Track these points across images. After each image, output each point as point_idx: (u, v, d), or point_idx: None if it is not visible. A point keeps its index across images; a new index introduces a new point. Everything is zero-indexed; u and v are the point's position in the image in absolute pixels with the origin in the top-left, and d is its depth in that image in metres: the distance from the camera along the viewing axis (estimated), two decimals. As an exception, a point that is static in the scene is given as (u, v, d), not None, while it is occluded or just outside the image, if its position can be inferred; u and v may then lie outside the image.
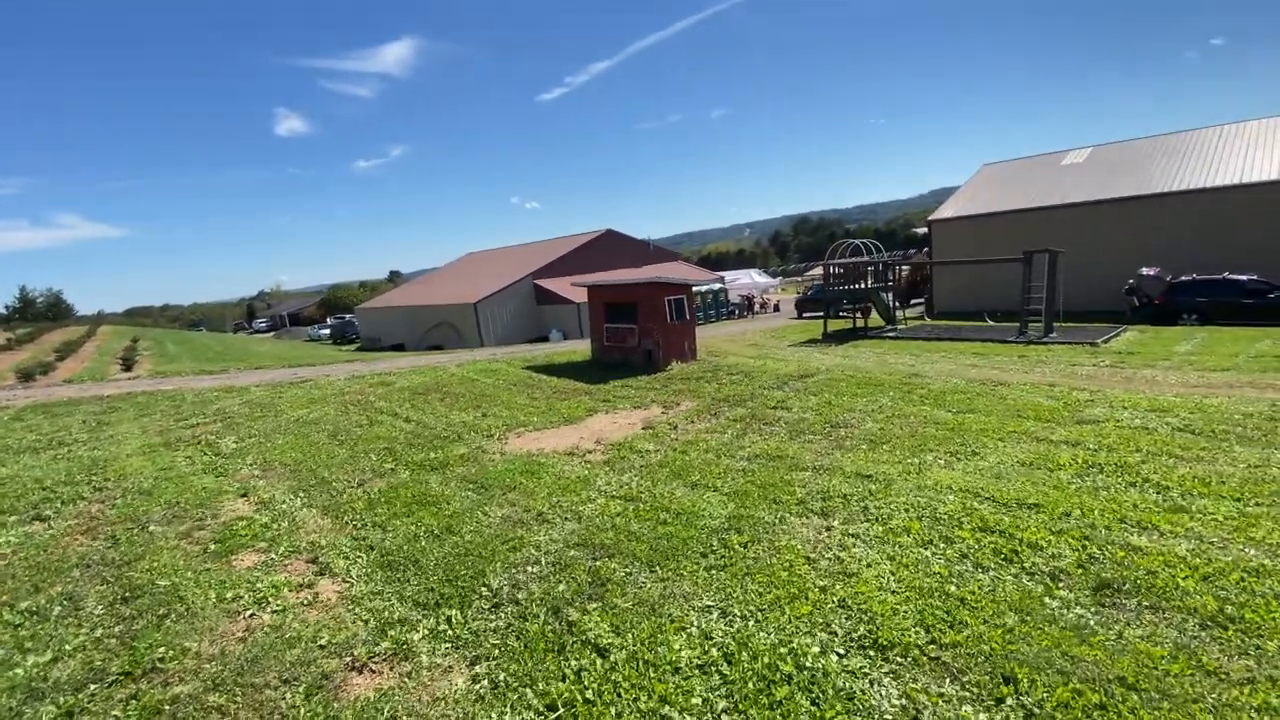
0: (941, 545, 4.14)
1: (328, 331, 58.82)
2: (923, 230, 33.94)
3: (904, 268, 33.50)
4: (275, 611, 3.85)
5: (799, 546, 4.21)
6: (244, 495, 6.05)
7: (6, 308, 68.05)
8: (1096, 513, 4.59)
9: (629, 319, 14.75)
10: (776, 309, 40.06)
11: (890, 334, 19.41)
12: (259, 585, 4.17)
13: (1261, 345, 13.40)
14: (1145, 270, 19.72)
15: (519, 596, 3.82)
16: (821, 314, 21.54)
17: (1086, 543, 4.09)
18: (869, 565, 3.91)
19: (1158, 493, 5.02)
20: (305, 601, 3.96)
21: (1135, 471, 5.50)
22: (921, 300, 30.62)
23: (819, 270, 21.18)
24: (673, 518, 4.82)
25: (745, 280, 48.20)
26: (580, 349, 17.98)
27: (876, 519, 4.66)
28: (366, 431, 8.68)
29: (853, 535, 4.39)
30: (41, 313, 64.40)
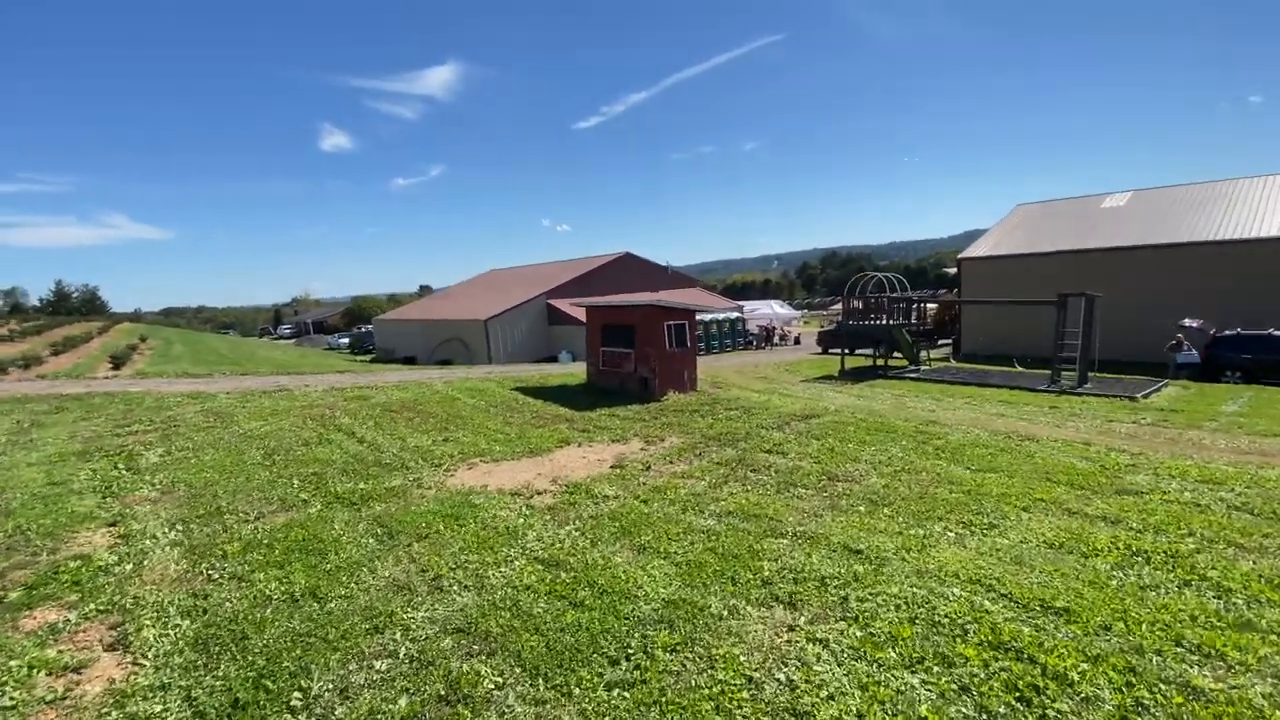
0: (936, 669, 3.08)
1: (346, 341, 59.19)
2: (954, 270, 32.70)
3: (931, 306, 32.24)
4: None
5: (743, 658, 3.18)
6: (112, 524, 5.22)
7: (41, 300, 69.94)
8: (1144, 627, 3.49)
9: (626, 343, 13.87)
10: (797, 342, 38.85)
11: (911, 374, 18.21)
12: (10, 665, 3.24)
13: (1321, 410, 11.99)
14: (1188, 321, 18.31)
15: (334, 717, 2.85)
16: (850, 350, 20.41)
17: (1132, 678, 3.00)
18: (830, 697, 2.87)
19: (1218, 597, 3.90)
20: (52, 697, 3.01)
21: (1189, 565, 4.37)
22: (949, 341, 29.28)
23: (853, 304, 20.11)
24: (595, 597, 3.83)
25: (765, 311, 47.07)
26: (580, 372, 17.12)
27: (857, 618, 3.61)
28: (308, 452, 7.86)
29: (820, 642, 3.35)
30: (75, 308, 65.97)
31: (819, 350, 30.46)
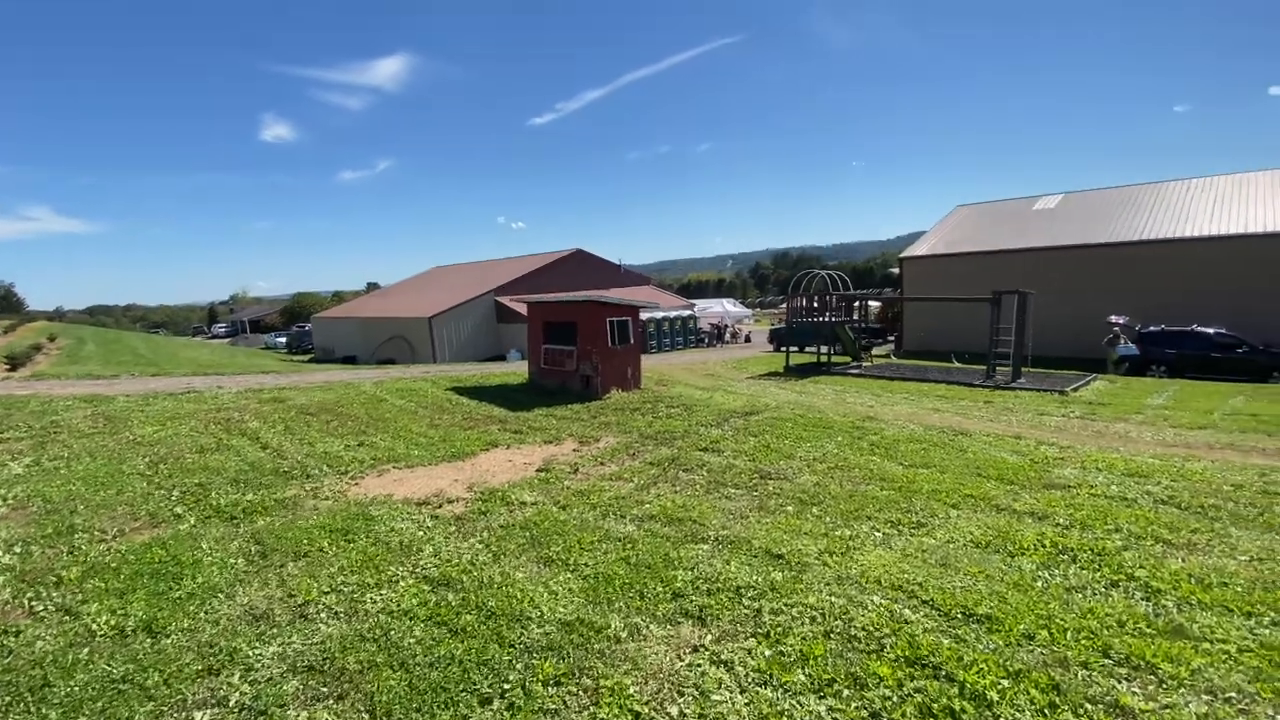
0: (846, 692, 2.79)
1: (284, 340, 56.55)
2: (898, 270, 33.45)
3: (875, 304, 32.89)
4: None
5: (634, 690, 2.80)
6: (-70, 550, 4.49)
7: (-58, 298, 64.26)
8: (1070, 635, 3.29)
9: (568, 340, 13.41)
10: (748, 340, 39.02)
11: (854, 371, 18.36)
12: None
13: (1235, 402, 12.54)
14: (1114, 318, 19.06)
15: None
16: (796, 347, 20.54)
17: (1056, 697, 2.77)
18: (726, 733, 2.54)
19: (1147, 599, 3.76)
20: None
21: (1116, 563, 4.25)
22: (895, 338, 29.87)
23: (807, 303, 20.16)
24: (481, 622, 3.40)
25: (717, 309, 47.22)
26: (526, 371, 16.56)
27: (769, 633, 3.30)
28: (199, 460, 7.12)
29: (724, 664, 3.02)
30: (-17, 305, 60.75)
31: (771, 348, 30.64)
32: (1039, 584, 3.94)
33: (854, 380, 16.62)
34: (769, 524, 5.11)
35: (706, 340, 37.74)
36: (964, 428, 9.52)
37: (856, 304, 20.62)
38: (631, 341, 13.70)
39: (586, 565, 4.15)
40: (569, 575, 4.02)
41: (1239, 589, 3.84)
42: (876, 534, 4.95)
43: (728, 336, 40.60)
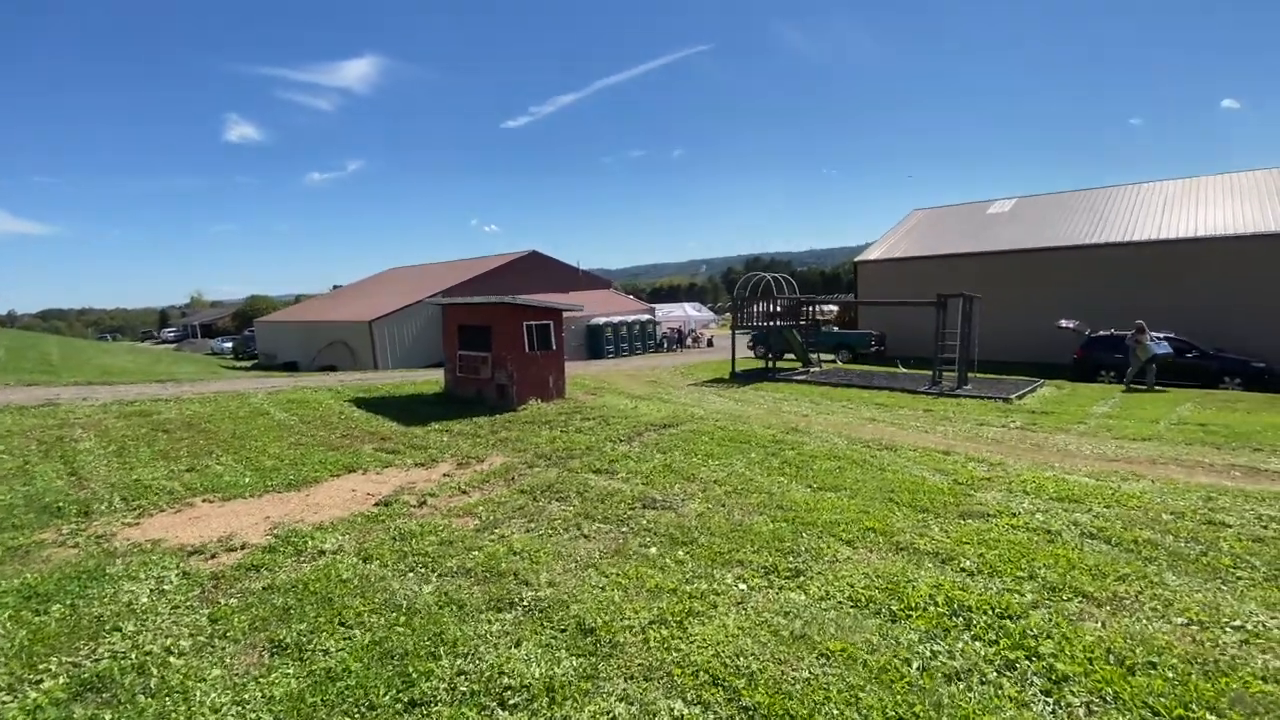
0: None
1: (229, 346, 54.14)
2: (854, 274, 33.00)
3: (830, 308, 32.37)
4: None
5: None
6: None
7: None
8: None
9: (483, 346, 12.30)
10: (710, 344, 38.16)
11: (800, 376, 17.58)
12: None
13: (1183, 410, 12.02)
14: (1064, 322, 18.65)
15: None
16: (769, 351, 19.95)
17: None
18: None
19: (1048, 693, 2.82)
20: None
21: (1019, 632, 3.34)
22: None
23: (766, 308, 19.42)
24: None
25: (678, 313, 46.50)
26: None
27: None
28: (-36, 493, 5.84)
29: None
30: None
31: (752, 354, 29.87)
32: (913, 667, 3.00)
33: (798, 387, 15.83)
34: (612, 576, 4.10)
35: (666, 345, 36.87)
36: (893, 441, 8.70)
37: (804, 308, 19.87)
38: (553, 347, 12.63)
39: (321, 654, 3.08)
40: (285, 674, 2.94)
41: (1170, 674, 2.95)
42: (739, 587, 3.98)
43: (689, 341, 39.80)
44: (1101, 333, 18.25)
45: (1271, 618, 3.51)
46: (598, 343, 33.36)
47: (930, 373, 15.38)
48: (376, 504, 5.84)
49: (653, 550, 4.63)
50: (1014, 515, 5.36)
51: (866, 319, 26.93)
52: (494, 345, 11.97)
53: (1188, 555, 4.46)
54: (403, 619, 3.44)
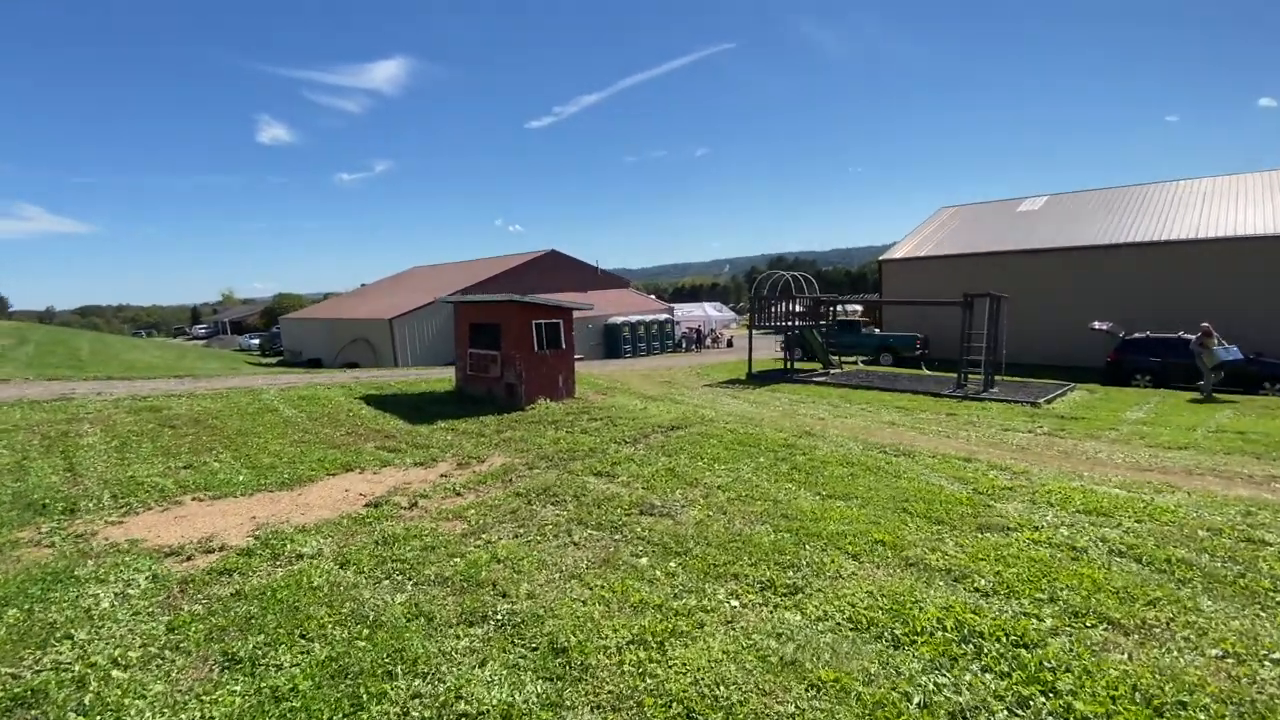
0: None
1: (257, 342, 55.33)
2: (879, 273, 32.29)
3: (855, 307, 31.72)
4: None
5: None
6: None
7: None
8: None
9: (493, 344, 12.18)
10: (730, 344, 37.72)
11: (819, 378, 17.15)
12: None
13: (1221, 417, 11.37)
14: (1097, 324, 17.90)
15: None
16: (801, 354, 19.56)
17: None
18: None
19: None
20: None
21: (1035, 663, 3.03)
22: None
23: (785, 308, 19.12)
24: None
25: (697, 313, 46.12)
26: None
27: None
28: (-41, 487, 5.85)
29: None
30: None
31: (782, 355, 29.46)
32: (913, 703, 2.71)
33: (816, 389, 15.42)
34: (595, 589, 3.87)
35: (685, 345, 36.55)
36: (912, 446, 8.32)
37: (824, 308, 19.40)
38: (563, 346, 12.45)
39: (273, 670, 2.90)
40: (231, 691, 2.75)
41: (1201, 717, 2.61)
42: (731, 604, 3.72)
43: (708, 341, 39.43)
44: (1136, 335, 17.46)
45: (1321, 652, 3.14)
46: (615, 342, 33.19)
47: (955, 375, 14.86)
48: (367, 505, 5.70)
49: (643, 561, 4.38)
50: (1036, 529, 4.99)
51: (891, 319, 26.28)
52: (503, 344, 11.83)
53: (1224, 577, 4.07)
54: (366, 632, 3.25)
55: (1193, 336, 14.70)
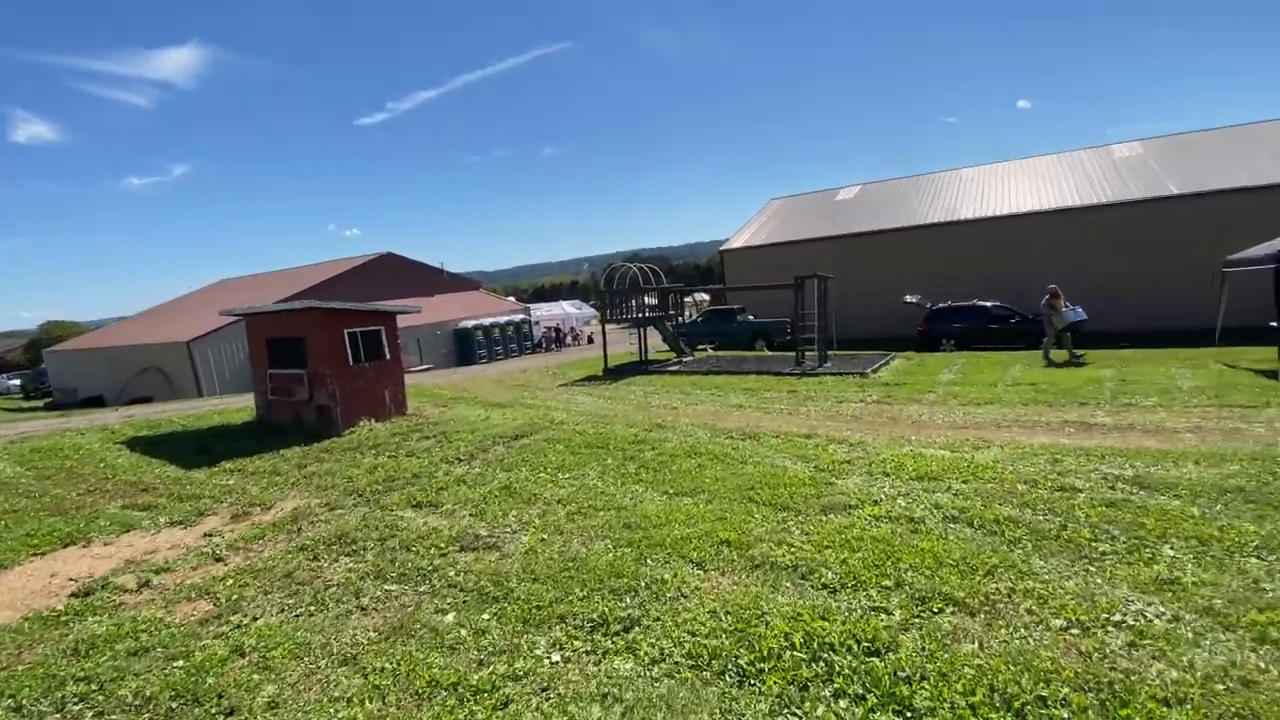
0: None
1: (18, 383, 45.18)
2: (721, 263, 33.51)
3: (703, 296, 32.68)
4: None
5: None
6: None
7: None
8: None
9: (298, 361, 10.35)
10: (590, 341, 37.14)
11: (673, 367, 17.07)
12: None
13: (1014, 371, 12.78)
14: (908, 297, 19.74)
15: None
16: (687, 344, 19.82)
17: None
18: None
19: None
20: None
21: (890, 673, 2.64)
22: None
23: (638, 300, 18.77)
24: None
25: (556, 312, 45.10)
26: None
27: None
28: None
29: None
30: None
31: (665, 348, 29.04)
32: (758, 770, 2.14)
33: (670, 379, 15.26)
34: (370, 677, 2.93)
35: (545, 345, 35.45)
36: (757, 428, 8.17)
37: (672, 298, 19.47)
38: (387, 357, 10.94)
39: None
40: None
41: (1065, 713, 2.33)
42: (551, 659, 2.98)
43: (568, 340, 38.66)
44: (941, 305, 19.48)
45: (1147, 604, 3.10)
46: (468, 348, 31.25)
47: (794, 354, 15.45)
48: (73, 595, 4.19)
49: (449, 618, 3.50)
50: (876, 503, 4.84)
51: (759, 308, 27.28)
52: (310, 360, 10.11)
53: (1048, 532, 4.09)
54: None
55: (989, 304, 16.62)
